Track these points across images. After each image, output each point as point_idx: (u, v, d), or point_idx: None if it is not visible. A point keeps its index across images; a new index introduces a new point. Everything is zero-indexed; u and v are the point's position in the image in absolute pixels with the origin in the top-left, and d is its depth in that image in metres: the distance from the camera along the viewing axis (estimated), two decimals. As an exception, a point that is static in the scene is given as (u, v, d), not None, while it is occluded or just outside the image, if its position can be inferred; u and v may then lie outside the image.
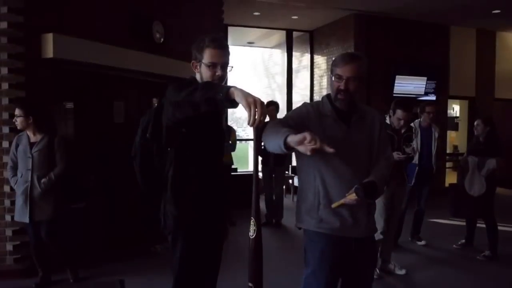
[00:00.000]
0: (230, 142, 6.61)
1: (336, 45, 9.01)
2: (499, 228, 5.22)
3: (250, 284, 2.06)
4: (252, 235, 1.98)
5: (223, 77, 2.32)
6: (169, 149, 2.36)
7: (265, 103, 7.24)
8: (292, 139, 1.89)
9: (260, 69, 12.60)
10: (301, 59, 10.29)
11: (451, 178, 8.54)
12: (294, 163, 6.89)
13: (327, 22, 9.10)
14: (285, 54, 10.13)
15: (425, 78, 8.84)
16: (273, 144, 2.05)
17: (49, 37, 4.26)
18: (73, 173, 4.19)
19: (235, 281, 3.56)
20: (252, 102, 1.75)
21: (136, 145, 2.47)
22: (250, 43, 11.20)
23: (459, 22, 9.20)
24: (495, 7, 7.99)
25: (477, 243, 5.46)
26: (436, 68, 9.00)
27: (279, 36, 10.23)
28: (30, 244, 4.15)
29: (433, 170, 5.64)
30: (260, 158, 6.66)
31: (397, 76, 8.54)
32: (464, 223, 5.65)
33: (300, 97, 10.14)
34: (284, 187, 7.49)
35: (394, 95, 8.34)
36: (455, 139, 11.02)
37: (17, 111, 3.98)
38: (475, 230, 5.52)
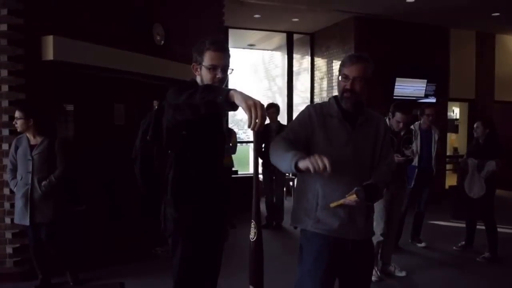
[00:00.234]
0: (231, 144, 6.61)
1: (337, 48, 9.02)
2: (499, 229, 5.23)
3: (250, 287, 2.05)
4: (253, 238, 1.98)
5: (224, 79, 2.32)
6: (169, 151, 2.37)
7: (266, 105, 7.20)
8: (304, 165, 1.95)
9: (261, 71, 12.61)
10: (301, 62, 10.30)
11: (451, 180, 8.53)
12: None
13: (328, 24, 9.11)
14: (286, 56, 10.13)
15: (425, 80, 8.85)
16: (283, 166, 2.13)
17: (49, 39, 4.26)
18: (73, 175, 4.19)
19: (236, 284, 3.56)
20: (252, 105, 1.75)
21: (137, 148, 2.47)
22: (251, 46, 11.21)
23: (459, 25, 9.21)
24: (495, 10, 8.00)
25: (477, 245, 5.45)
26: (436, 71, 9.00)
27: (280, 38, 10.24)
28: (30, 247, 4.14)
29: (433, 172, 5.64)
30: (260, 161, 6.67)
31: (397, 79, 8.55)
32: (464, 225, 5.65)
33: (301, 99, 10.14)
34: (284, 189, 7.49)
35: (395, 97, 8.34)
36: (455, 141, 11.03)
37: (18, 114, 3.97)
38: (475, 232, 5.52)
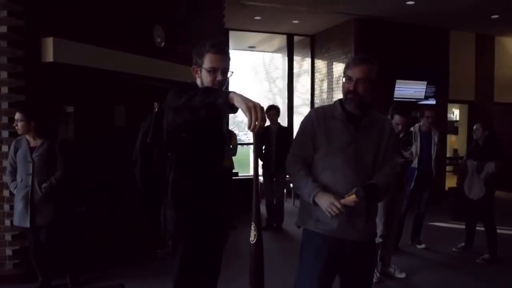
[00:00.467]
0: (231, 146, 6.61)
1: (337, 50, 9.03)
2: (498, 231, 5.23)
3: (250, 289, 2.06)
4: (253, 240, 1.98)
5: (224, 82, 2.33)
6: (169, 153, 2.37)
7: (266, 107, 7.19)
8: (320, 203, 2.25)
9: (261, 73, 12.62)
10: (302, 63, 10.31)
11: (451, 181, 8.53)
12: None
13: (328, 26, 9.12)
14: (286, 58, 10.14)
15: (425, 82, 8.85)
16: (303, 195, 2.35)
17: (50, 41, 4.26)
18: (74, 177, 4.19)
19: (236, 285, 3.56)
20: (252, 107, 1.75)
21: (137, 150, 2.48)
22: (251, 48, 11.22)
23: (459, 27, 9.22)
24: (494, 12, 8.01)
25: (476, 246, 5.46)
26: (436, 73, 9.00)
27: (280, 40, 10.24)
28: (30, 249, 4.13)
29: (432, 174, 5.64)
30: (260, 162, 6.67)
31: (397, 81, 8.55)
32: (463, 227, 5.65)
33: (301, 101, 10.15)
34: (285, 191, 7.50)
35: (395, 99, 8.35)
36: (455, 143, 11.03)
37: (19, 116, 3.95)
38: (474, 233, 5.52)
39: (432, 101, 8.91)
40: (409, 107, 5.63)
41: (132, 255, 4.99)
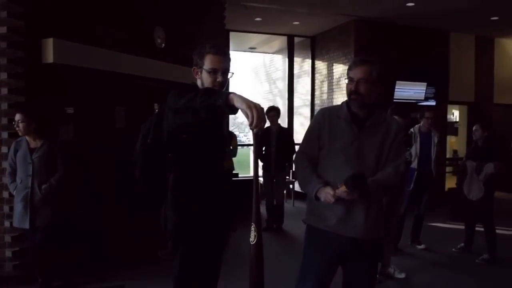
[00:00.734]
0: (231, 147, 6.62)
1: (337, 51, 9.04)
2: (498, 231, 5.25)
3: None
4: (253, 241, 1.98)
5: (224, 83, 2.33)
6: (170, 155, 2.38)
7: (266, 108, 7.17)
8: (321, 197, 2.33)
9: (262, 74, 12.63)
10: (302, 65, 10.32)
11: (450, 182, 8.54)
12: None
13: (328, 28, 9.13)
14: (286, 59, 10.15)
15: (425, 83, 8.86)
16: (307, 191, 2.43)
17: (50, 42, 4.26)
18: (74, 178, 4.18)
19: (236, 286, 3.56)
20: (253, 106, 1.77)
21: (137, 151, 2.48)
22: (252, 49, 11.24)
23: (459, 29, 9.25)
24: (494, 14, 8.04)
25: (476, 247, 5.46)
26: (436, 74, 9.02)
27: (281, 41, 10.25)
28: (29, 250, 4.13)
29: (432, 175, 5.64)
30: (261, 164, 6.68)
31: (397, 82, 8.56)
32: (463, 227, 5.65)
33: (301, 102, 10.16)
34: (285, 192, 7.50)
35: (395, 100, 8.36)
36: (455, 144, 11.03)
37: (19, 117, 3.91)
38: (474, 234, 5.52)
39: (432, 102, 8.92)
40: (409, 108, 5.63)
41: (132, 256, 4.99)
